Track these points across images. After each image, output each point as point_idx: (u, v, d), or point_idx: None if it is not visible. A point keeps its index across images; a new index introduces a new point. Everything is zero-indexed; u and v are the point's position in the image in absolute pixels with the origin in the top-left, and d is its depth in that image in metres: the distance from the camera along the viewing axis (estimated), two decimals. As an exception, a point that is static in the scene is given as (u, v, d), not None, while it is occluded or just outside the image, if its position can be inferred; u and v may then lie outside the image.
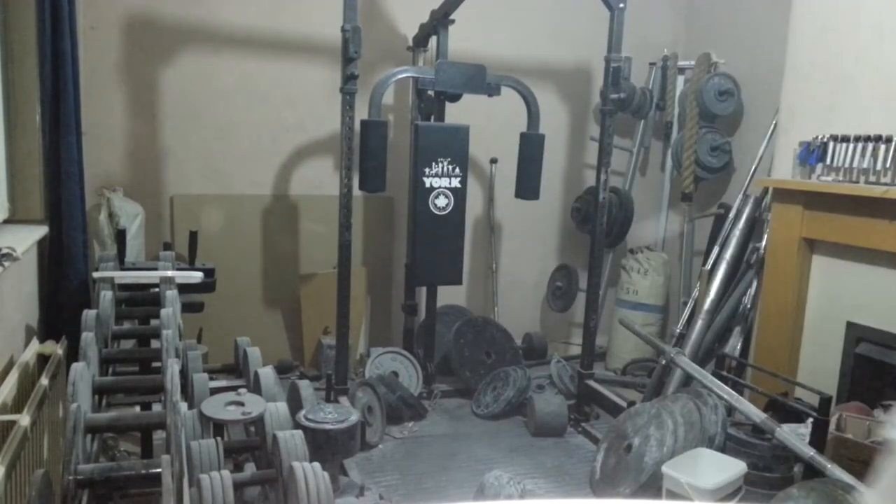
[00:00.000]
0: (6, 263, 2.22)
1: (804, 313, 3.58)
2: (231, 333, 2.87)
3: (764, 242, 3.85)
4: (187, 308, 2.93)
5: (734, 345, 3.89)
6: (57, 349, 2.53)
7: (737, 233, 4.05)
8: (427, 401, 4.03)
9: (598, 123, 4.34)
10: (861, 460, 2.76)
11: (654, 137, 5.03)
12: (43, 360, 2.53)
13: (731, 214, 4.15)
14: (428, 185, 3.68)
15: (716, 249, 4.15)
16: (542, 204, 4.64)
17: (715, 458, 2.80)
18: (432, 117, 4.05)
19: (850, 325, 3.33)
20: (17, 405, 2.11)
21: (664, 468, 2.69)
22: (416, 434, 3.68)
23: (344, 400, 3.46)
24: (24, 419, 1.95)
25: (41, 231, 2.76)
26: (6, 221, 2.73)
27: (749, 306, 3.88)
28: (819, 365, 3.48)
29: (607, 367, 4.86)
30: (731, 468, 2.70)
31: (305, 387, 3.24)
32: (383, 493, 2.99)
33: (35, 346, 2.50)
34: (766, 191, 3.93)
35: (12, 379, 2.13)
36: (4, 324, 2.32)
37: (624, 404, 3.48)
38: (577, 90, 4.90)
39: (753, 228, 4.04)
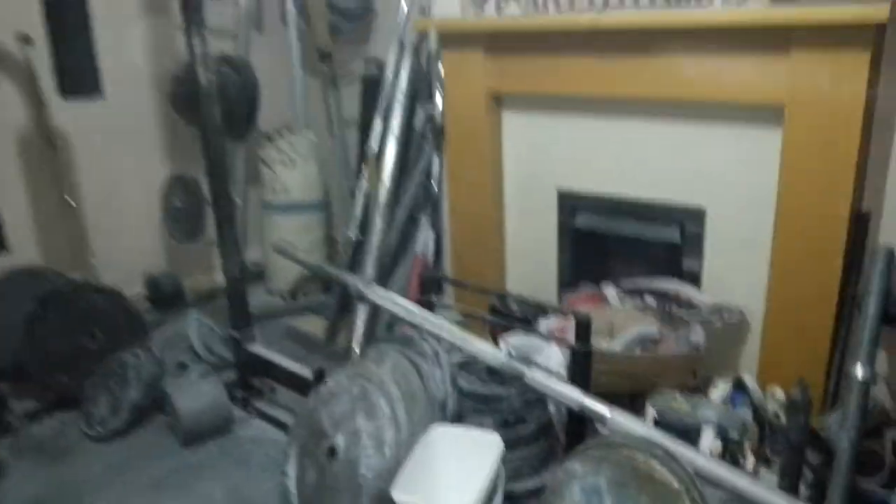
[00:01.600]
0: None
1: (503, 188, 2.83)
2: None
3: (439, 105, 2.96)
4: None
5: (425, 241, 3.04)
6: None
7: (400, 97, 3.08)
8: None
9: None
10: (620, 372, 2.14)
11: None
12: None
13: (389, 73, 3.15)
14: None
15: (378, 122, 3.15)
16: (128, 93, 3.18)
17: (458, 444, 1.91)
18: None
19: (564, 195, 2.65)
20: None
21: (395, 494, 1.74)
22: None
23: None
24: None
25: None
26: None
27: (437, 189, 3.02)
28: (532, 250, 2.80)
29: (270, 290, 3.74)
30: (483, 456, 1.84)
31: None
32: None
33: None
34: (428, 37, 2.97)
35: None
36: None
37: (308, 374, 2.43)
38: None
39: (418, 88, 3.11)
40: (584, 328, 1.90)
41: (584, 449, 1.79)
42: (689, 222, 2.31)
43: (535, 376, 1.94)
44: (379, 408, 1.96)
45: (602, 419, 1.81)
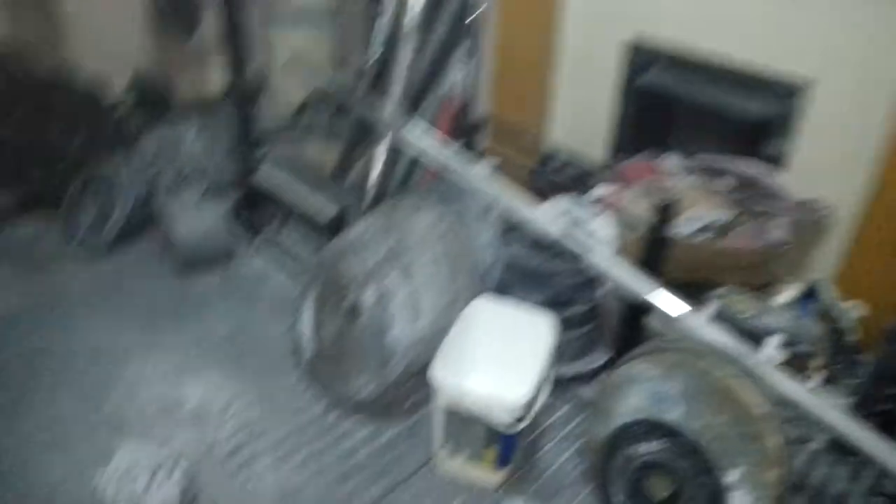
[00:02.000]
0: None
1: (562, 27, 2.43)
2: None
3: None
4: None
5: (460, 79, 2.66)
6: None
7: None
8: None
9: None
10: (683, 260, 1.91)
11: None
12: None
13: None
14: None
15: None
16: None
17: (506, 322, 1.69)
18: None
19: (632, 45, 2.28)
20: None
21: (436, 372, 1.53)
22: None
23: None
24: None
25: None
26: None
27: (478, 18, 2.60)
28: (585, 105, 2.46)
29: (270, 110, 3.33)
30: (535, 338, 1.63)
31: None
32: None
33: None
34: None
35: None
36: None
37: (326, 213, 2.14)
38: None
39: None
40: (666, 211, 1.64)
41: (655, 349, 1.59)
42: (785, 96, 1.98)
43: (600, 258, 1.70)
44: (417, 267, 1.72)
45: (677, 320, 1.60)
